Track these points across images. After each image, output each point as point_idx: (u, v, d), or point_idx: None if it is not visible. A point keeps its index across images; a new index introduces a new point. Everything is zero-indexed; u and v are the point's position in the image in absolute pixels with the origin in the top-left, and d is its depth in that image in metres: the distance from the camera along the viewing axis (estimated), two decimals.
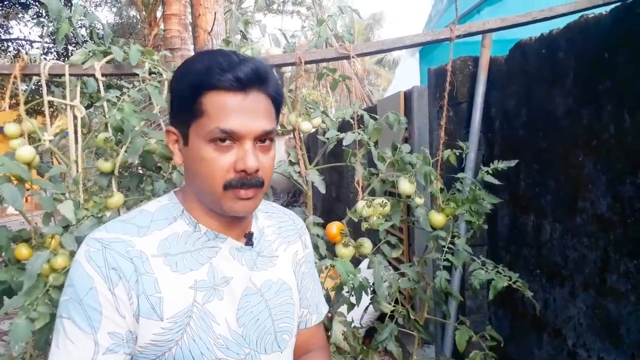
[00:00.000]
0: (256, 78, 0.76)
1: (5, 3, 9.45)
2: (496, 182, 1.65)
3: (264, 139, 0.78)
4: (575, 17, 1.69)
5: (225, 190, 0.77)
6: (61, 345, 0.73)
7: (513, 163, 1.64)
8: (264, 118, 0.78)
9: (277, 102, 0.82)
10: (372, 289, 1.60)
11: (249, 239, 0.88)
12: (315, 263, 1.55)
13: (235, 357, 0.81)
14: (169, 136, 0.83)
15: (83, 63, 1.61)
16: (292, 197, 12.14)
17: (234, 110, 0.75)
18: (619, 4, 1.52)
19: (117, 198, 1.53)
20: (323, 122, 1.81)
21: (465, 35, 1.66)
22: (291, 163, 1.77)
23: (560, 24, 1.75)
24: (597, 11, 1.61)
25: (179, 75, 0.81)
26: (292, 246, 0.98)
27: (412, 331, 1.72)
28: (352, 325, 1.70)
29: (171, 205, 0.84)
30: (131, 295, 0.74)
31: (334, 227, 1.64)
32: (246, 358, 0.82)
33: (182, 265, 0.79)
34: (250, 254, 0.87)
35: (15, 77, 1.58)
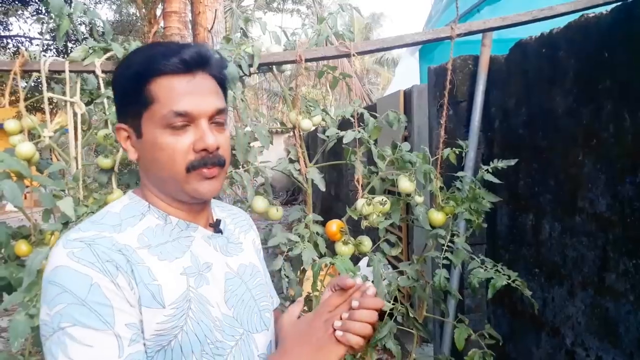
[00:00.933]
0: (200, 59, 0.78)
1: (5, 0, 9.43)
2: (496, 180, 1.65)
3: (218, 118, 0.79)
4: (576, 16, 1.69)
5: (189, 172, 0.77)
6: (76, 356, 0.65)
7: (513, 162, 1.65)
8: (214, 97, 0.79)
9: (223, 82, 0.84)
10: None
11: (217, 227, 0.89)
12: (315, 261, 1.56)
13: (231, 339, 0.81)
14: (120, 134, 0.82)
15: (83, 60, 1.61)
16: (291, 195, 12.15)
17: (184, 92, 0.76)
18: (619, 3, 1.53)
19: (117, 195, 1.53)
20: (323, 120, 1.82)
21: (466, 34, 1.67)
22: (291, 161, 1.77)
23: (560, 23, 1.75)
24: (597, 11, 1.61)
25: (122, 69, 0.81)
26: (248, 234, 1.00)
27: (411, 329, 1.72)
28: None
29: (134, 203, 0.83)
30: (132, 284, 0.71)
31: (334, 225, 1.64)
32: (241, 338, 0.83)
33: (167, 253, 0.78)
34: (222, 240, 0.89)
35: (15, 74, 1.58)
